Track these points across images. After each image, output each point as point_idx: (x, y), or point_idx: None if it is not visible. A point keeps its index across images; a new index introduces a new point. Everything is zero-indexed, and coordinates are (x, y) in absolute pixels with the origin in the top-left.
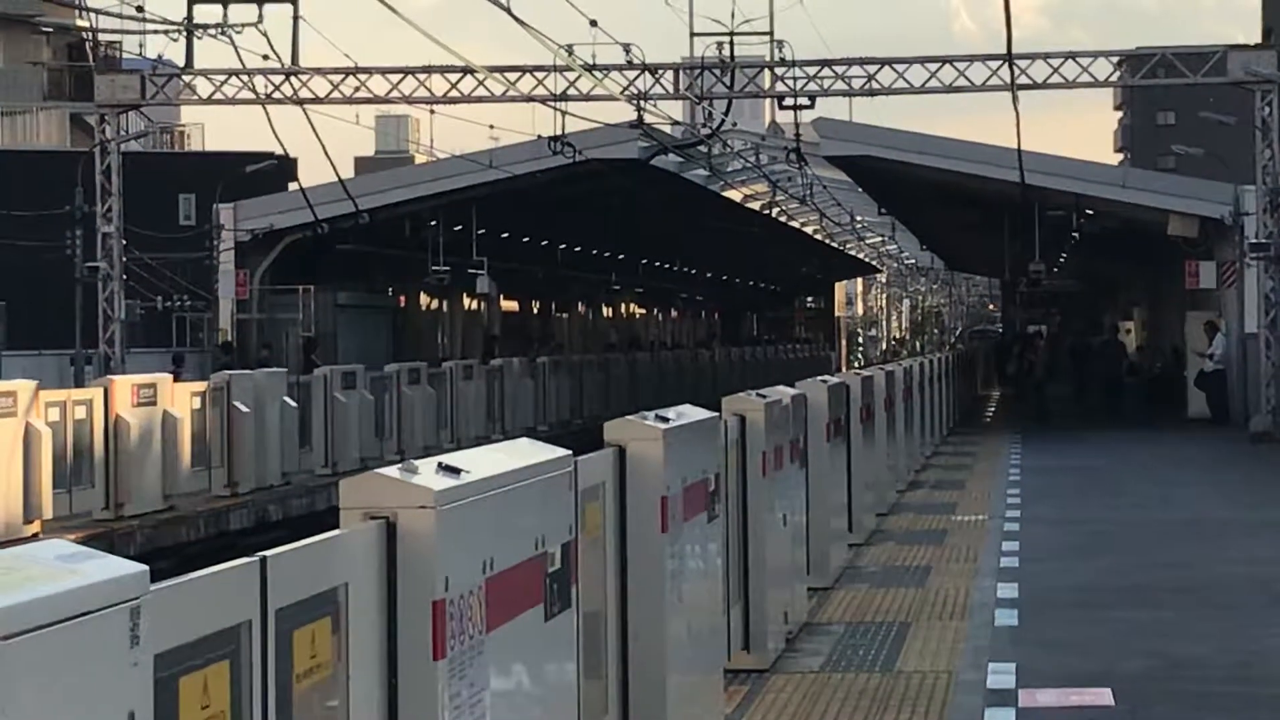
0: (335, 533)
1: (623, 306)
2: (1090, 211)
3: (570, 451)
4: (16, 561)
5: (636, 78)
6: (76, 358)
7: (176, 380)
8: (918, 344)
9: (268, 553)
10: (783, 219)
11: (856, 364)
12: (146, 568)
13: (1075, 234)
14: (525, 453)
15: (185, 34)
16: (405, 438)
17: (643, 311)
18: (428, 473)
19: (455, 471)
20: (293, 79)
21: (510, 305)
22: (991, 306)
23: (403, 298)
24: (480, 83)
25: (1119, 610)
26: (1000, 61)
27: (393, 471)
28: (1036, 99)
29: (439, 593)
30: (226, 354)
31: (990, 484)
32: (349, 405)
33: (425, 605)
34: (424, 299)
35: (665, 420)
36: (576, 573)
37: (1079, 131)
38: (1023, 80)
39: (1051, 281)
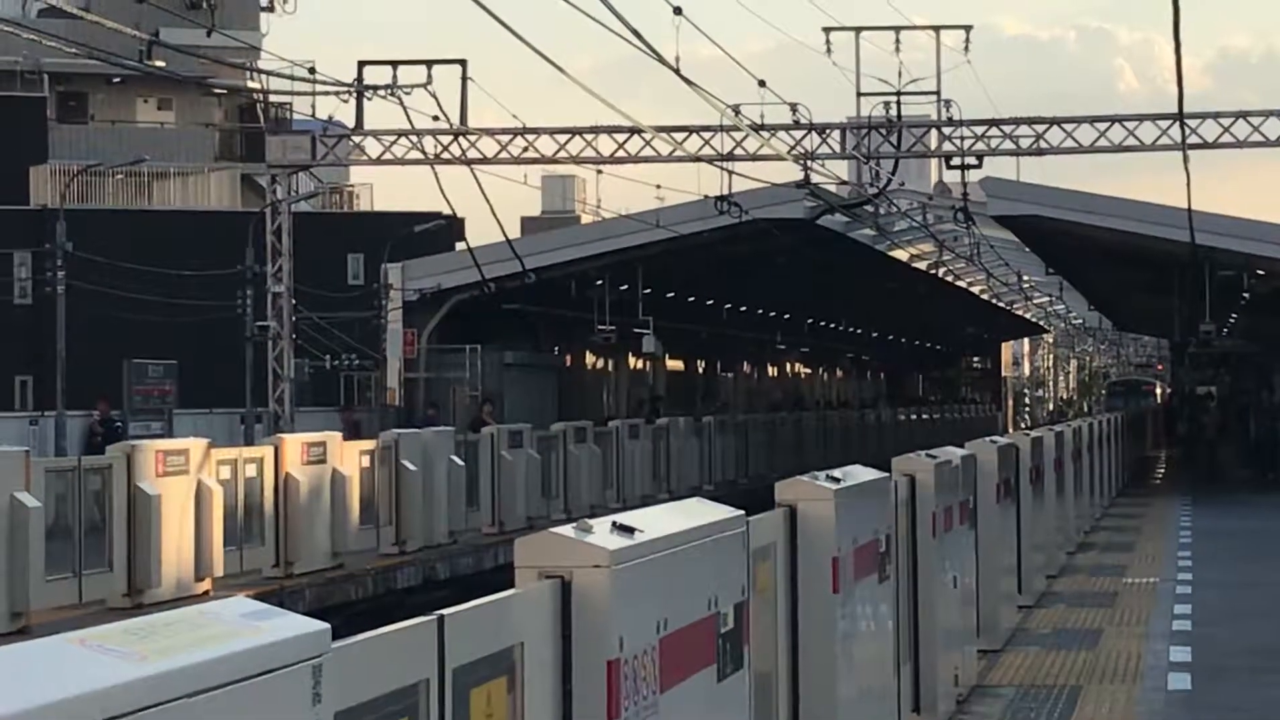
0: (511, 592)
1: (787, 366)
2: (1261, 271)
3: (742, 511)
4: (201, 619)
5: (803, 137)
6: (246, 416)
7: None
8: (1085, 404)
9: (445, 611)
10: (949, 278)
11: (1023, 424)
12: (328, 626)
13: (1246, 294)
14: (697, 512)
15: (355, 95)
16: (571, 497)
17: (808, 371)
18: (602, 532)
19: (629, 531)
20: (461, 139)
21: (675, 364)
22: (1160, 367)
23: (569, 357)
24: (647, 143)
25: None
26: (1170, 121)
27: (568, 531)
28: (1204, 157)
29: (613, 652)
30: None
31: (1161, 546)
32: (516, 464)
33: (600, 665)
34: (589, 358)
35: (836, 480)
36: (748, 633)
37: (1248, 190)
38: (1193, 139)
39: (1221, 342)
